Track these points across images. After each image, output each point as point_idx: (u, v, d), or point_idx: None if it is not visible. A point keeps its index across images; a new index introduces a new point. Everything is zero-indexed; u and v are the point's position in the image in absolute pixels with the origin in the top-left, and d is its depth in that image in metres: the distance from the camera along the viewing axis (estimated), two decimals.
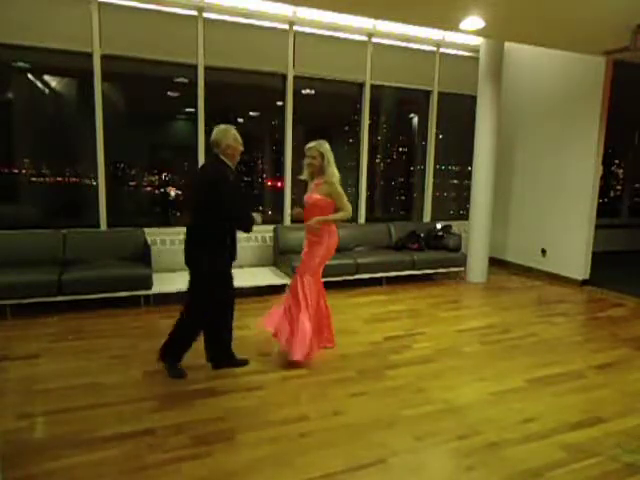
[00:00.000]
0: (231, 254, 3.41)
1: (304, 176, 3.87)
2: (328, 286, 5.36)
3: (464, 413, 3.06)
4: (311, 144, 3.73)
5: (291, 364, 3.62)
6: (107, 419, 2.84)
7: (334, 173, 3.71)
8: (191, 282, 3.39)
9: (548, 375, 3.66)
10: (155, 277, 5.09)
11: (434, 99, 7.24)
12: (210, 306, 3.43)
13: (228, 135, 3.29)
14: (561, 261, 6.79)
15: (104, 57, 5.34)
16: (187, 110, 6.04)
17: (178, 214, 6.49)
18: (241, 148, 3.39)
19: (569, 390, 3.44)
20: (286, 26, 6.09)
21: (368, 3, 4.55)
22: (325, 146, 3.71)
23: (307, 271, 3.78)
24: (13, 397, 3.12)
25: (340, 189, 3.71)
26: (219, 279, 3.41)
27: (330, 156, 3.70)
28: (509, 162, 7.49)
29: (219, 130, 3.32)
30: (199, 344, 3.85)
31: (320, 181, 3.72)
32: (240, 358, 3.66)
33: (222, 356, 3.58)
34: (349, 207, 3.72)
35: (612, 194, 9.68)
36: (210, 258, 3.30)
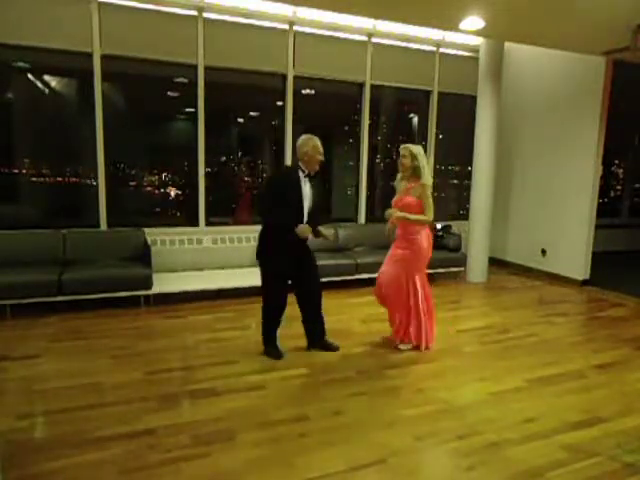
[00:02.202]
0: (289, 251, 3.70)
1: (399, 180, 4.13)
2: (328, 286, 5.37)
3: (464, 413, 3.05)
4: (408, 146, 3.95)
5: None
6: (107, 419, 2.84)
7: (428, 177, 3.90)
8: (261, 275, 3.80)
9: (548, 375, 3.66)
10: (155, 277, 5.08)
11: (434, 99, 7.24)
12: (271, 296, 3.77)
13: (308, 143, 3.63)
14: (561, 261, 6.79)
15: (104, 57, 5.33)
16: (187, 110, 6.04)
17: (178, 214, 6.49)
18: (320, 157, 3.68)
19: (569, 390, 3.44)
20: (286, 26, 6.09)
21: (368, 3, 4.55)
22: (419, 148, 3.93)
23: (417, 271, 4.11)
24: (13, 397, 3.12)
25: (430, 192, 3.91)
26: (277, 276, 3.73)
27: (423, 159, 3.89)
28: (509, 162, 7.49)
29: (302, 138, 3.69)
30: (198, 345, 3.87)
31: (416, 184, 3.90)
32: (332, 343, 3.99)
33: (313, 339, 3.95)
34: (431, 211, 3.93)
35: (612, 194, 9.68)
36: (268, 254, 3.69)
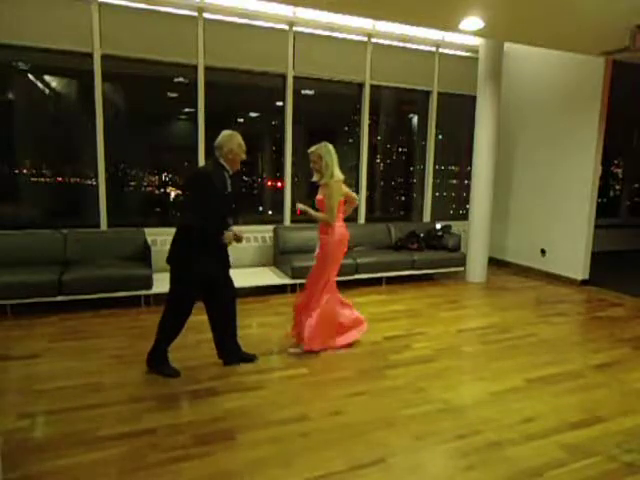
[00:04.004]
0: (219, 259, 3.43)
1: (315, 178, 3.97)
2: None
3: (464, 413, 3.06)
4: (311, 148, 3.85)
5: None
6: (107, 419, 2.85)
7: (333, 174, 3.79)
8: (171, 280, 3.42)
9: (548, 375, 3.67)
10: (155, 277, 5.08)
11: (434, 99, 7.25)
12: (185, 303, 3.41)
13: (233, 140, 3.35)
14: (560, 261, 6.79)
15: (104, 57, 5.34)
16: (187, 110, 6.04)
17: (178, 214, 6.48)
18: (243, 156, 3.43)
19: (568, 390, 3.45)
20: (286, 26, 6.10)
21: (367, 3, 4.55)
22: (324, 149, 3.80)
23: (315, 271, 3.95)
24: (13, 397, 3.12)
25: (335, 193, 3.78)
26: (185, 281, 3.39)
27: (329, 158, 3.79)
28: (509, 162, 7.50)
29: (225, 134, 3.37)
30: (198, 345, 3.86)
31: (322, 182, 3.84)
32: (248, 354, 3.73)
33: (230, 353, 3.65)
34: (332, 215, 3.78)
35: (611, 194, 9.69)
36: (194, 259, 3.31)
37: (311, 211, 3.84)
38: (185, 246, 3.33)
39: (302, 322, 3.96)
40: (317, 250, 3.96)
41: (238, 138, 3.38)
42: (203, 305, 3.51)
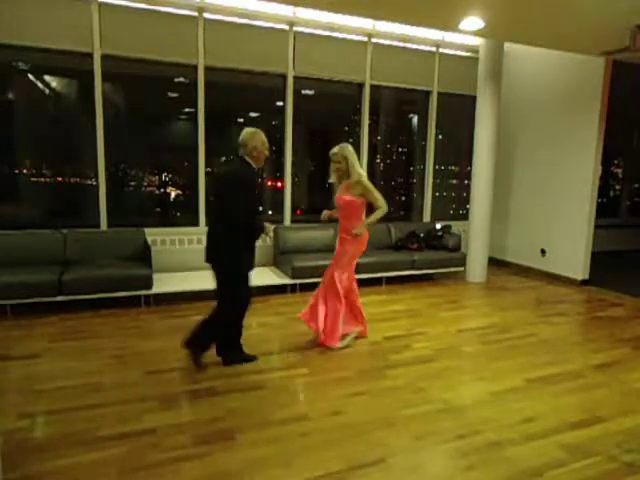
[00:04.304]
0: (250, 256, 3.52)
1: (332, 179, 4.10)
2: None
3: (464, 413, 3.06)
4: (334, 149, 3.99)
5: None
6: (107, 419, 2.85)
7: (360, 173, 3.94)
8: (216, 280, 3.50)
9: (547, 375, 3.67)
10: (155, 277, 5.09)
11: (434, 99, 7.25)
12: (235, 303, 3.52)
13: (256, 137, 3.41)
14: (560, 261, 6.79)
15: (104, 57, 5.34)
16: (187, 110, 6.04)
17: (178, 214, 6.49)
18: (267, 153, 3.50)
19: (568, 390, 3.45)
20: (286, 26, 6.10)
21: (367, 3, 4.55)
22: (348, 149, 3.95)
23: (338, 267, 4.03)
24: (13, 397, 3.12)
25: (370, 185, 3.92)
26: (239, 278, 3.49)
27: (353, 158, 3.94)
28: (508, 162, 7.50)
29: (248, 132, 3.43)
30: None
31: (350, 182, 3.94)
32: (249, 354, 3.74)
33: (231, 352, 3.67)
34: (383, 201, 3.92)
35: (611, 194, 9.69)
36: (231, 258, 3.40)
37: (371, 220, 3.91)
38: (229, 243, 3.37)
39: (317, 312, 4.03)
40: (337, 247, 4.09)
41: (261, 135, 3.45)
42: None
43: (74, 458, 2.48)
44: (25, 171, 5.59)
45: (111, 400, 3.07)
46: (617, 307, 5.63)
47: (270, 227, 3.51)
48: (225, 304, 3.51)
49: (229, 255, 3.38)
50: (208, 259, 3.46)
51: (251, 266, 3.54)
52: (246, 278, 3.50)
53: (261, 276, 5.82)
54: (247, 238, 3.43)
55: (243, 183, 3.35)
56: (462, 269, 6.73)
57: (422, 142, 7.50)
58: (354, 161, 3.94)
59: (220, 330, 3.58)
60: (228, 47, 5.86)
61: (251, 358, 3.72)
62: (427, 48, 7.02)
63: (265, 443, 2.66)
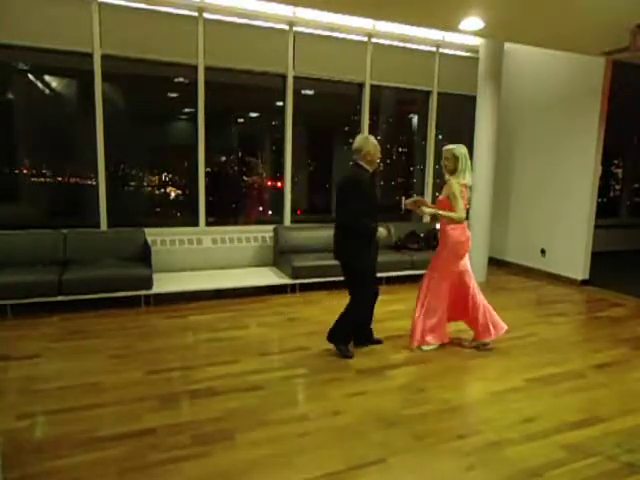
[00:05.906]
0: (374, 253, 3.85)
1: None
2: (333, 286, 5.38)
3: (464, 413, 3.06)
4: (448, 146, 4.03)
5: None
6: (107, 419, 2.85)
7: (464, 176, 3.97)
8: (345, 272, 3.86)
9: (548, 375, 3.67)
10: (155, 277, 5.09)
11: (434, 99, 7.24)
12: (359, 295, 3.85)
13: (368, 142, 3.70)
14: (560, 261, 6.79)
15: (104, 57, 5.34)
16: (187, 110, 6.04)
17: (178, 214, 6.49)
18: (379, 155, 3.77)
19: (569, 390, 3.45)
20: (286, 26, 6.10)
21: (367, 3, 4.55)
22: (459, 150, 4.00)
23: (434, 269, 4.16)
24: (13, 397, 3.12)
25: (457, 192, 3.90)
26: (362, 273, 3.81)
27: (462, 160, 3.98)
28: (509, 162, 7.50)
29: (360, 138, 3.75)
30: (198, 345, 3.86)
31: (446, 182, 4.01)
32: (378, 338, 4.14)
33: (362, 336, 4.05)
34: (460, 211, 3.92)
35: (611, 194, 9.68)
36: (351, 256, 3.76)
37: (439, 211, 3.97)
38: (347, 243, 3.73)
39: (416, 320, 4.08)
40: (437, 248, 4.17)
41: (372, 140, 3.73)
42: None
43: (74, 458, 2.48)
44: (25, 171, 5.59)
45: (111, 400, 3.07)
46: (617, 307, 5.63)
47: (384, 232, 3.72)
48: (353, 295, 3.84)
49: (349, 253, 3.76)
50: (336, 257, 3.88)
51: (371, 262, 3.84)
52: (368, 272, 3.85)
53: (261, 276, 5.83)
54: (362, 237, 3.70)
55: (356, 186, 3.66)
56: None
57: (422, 142, 7.50)
58: (462, 163, 3.96)
59: (350, 318, 3.86)
60: (228, 47, 5.85)
61: (379, 341, 4.12)
62: (427, 48, 7.02)
63: (265, 443, 2.65)
